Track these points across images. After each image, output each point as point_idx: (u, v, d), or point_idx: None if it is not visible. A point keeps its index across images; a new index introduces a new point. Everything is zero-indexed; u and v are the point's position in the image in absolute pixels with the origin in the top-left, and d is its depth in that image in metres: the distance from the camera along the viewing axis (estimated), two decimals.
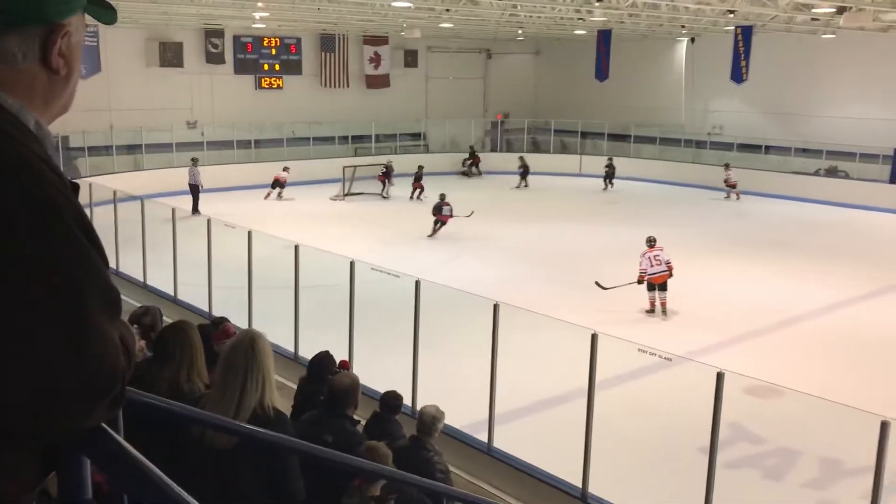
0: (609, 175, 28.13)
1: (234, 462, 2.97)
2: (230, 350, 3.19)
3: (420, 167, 26.55)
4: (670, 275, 13.65)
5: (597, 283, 14.17)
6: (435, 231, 19.89)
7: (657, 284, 13.64)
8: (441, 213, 19.91)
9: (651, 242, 14.04)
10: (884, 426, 5.36)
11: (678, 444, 8.86)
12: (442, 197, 20.19)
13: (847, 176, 27.15)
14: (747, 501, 7.87)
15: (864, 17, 17.50)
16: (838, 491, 8.05)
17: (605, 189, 27.79)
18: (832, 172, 27.58)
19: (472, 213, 20.57)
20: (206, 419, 2.17)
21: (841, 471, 8.48)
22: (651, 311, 13.77)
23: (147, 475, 1.18)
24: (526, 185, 28.36)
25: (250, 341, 3.18)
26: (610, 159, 28.66)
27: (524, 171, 28.49)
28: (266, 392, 3.10)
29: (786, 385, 9.65)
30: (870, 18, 18.54)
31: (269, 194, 25.01)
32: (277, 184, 25.16)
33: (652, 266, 13.62)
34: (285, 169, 25.54)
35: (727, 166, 27.12)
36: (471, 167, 31.56)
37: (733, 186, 26.45)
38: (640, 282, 13.80)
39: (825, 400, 8.32)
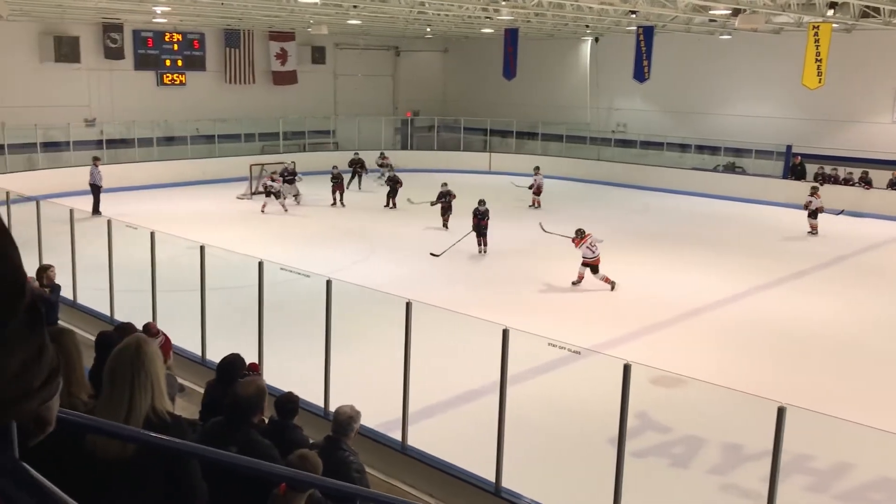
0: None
1: (130, 472, 2.84)
2: (115, 357, 3.03)
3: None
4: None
5: (541, 226, 16.16)
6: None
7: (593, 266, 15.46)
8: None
9: (581, 234, 15.59)
10: (780, 412, 5.59)
11: (588, 436, 9.04)
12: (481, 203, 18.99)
13: (744, 172, 28.29)
14: (655, 489, 8.09)
15: (758, 19, 18.24)
16: (740, 475, 8.36)
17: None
18: (730, 168, 28.67)
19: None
20: (101, 426, 2.09)
21: (742, 455, 8.81)
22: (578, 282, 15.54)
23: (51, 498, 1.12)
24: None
25: (136, 346, 3.04)
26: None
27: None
28: (157, 397, 2.99)
29: (689, 374, 10.00)
30: (762, 20, 19.33)
31: (265, 205, 23.02)
32: (271, 191, 23.12)
33: (593, 252, 15.42)
34: (273, 174, 23.89)
35: (537, 169, 25.11)
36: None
37: (538, 193, 24.85)
38: (575, 242, 15.54)
39: (726, 388, 8.66)
